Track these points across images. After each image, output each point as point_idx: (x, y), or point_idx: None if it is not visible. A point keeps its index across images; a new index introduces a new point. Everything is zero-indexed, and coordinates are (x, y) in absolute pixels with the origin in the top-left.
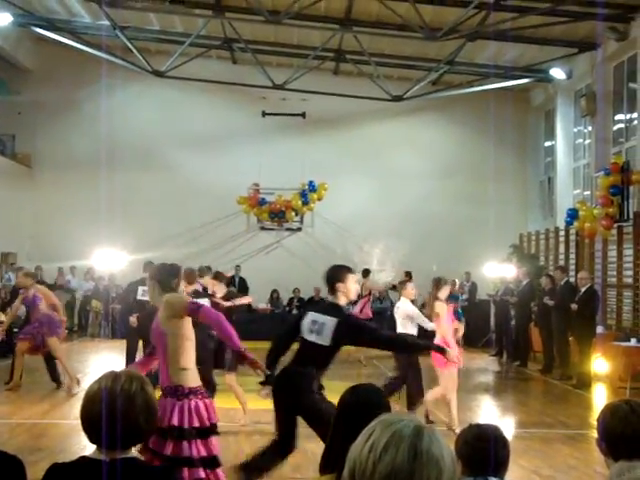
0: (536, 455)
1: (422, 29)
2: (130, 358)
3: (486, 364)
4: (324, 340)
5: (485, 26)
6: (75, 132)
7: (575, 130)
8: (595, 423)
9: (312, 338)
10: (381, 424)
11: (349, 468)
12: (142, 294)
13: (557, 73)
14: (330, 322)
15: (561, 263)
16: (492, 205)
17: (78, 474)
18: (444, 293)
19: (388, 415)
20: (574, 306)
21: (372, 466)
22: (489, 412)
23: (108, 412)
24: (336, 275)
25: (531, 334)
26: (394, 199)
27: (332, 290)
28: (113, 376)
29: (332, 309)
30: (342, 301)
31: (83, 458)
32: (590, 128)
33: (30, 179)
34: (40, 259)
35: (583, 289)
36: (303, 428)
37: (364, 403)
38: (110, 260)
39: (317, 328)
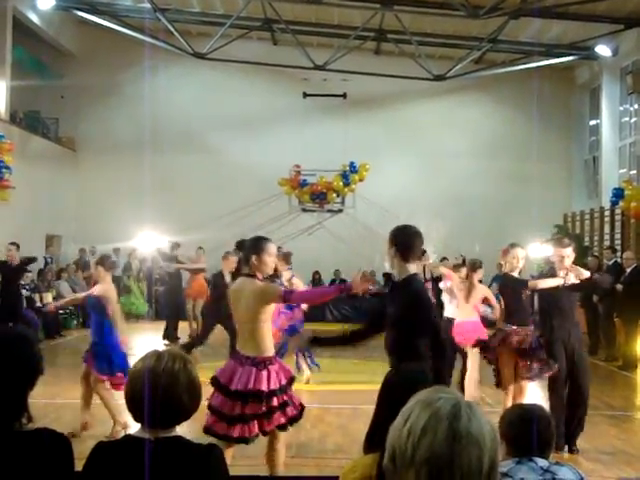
0: (581, 436)
1: (464, 7)
2: (170, 338)
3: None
4: None
5: (528, 3)
6: (118, 115)
7: (621, 108)
8: None
9: None
10: (419, 404)
11: (389, 452)
12: None
13: (602, 50)
14: None
15: (606, 243)
16: (536, 185)
17: (123, 453)
18: (478, 276)
19: (426, 393)
20: (619, 287)
21: (411, 450)
22: (533, 393)
23: (151, 391)
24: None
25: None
26: (436, 180)
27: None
28: (156, 355)
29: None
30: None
31: (128, 437)
32: (636, 106)
33: (74, 162)
34: (84, 241)
35: (629, 269)
36: (347, 407)
37: (408, 383)
38: (153, 242)
39: None
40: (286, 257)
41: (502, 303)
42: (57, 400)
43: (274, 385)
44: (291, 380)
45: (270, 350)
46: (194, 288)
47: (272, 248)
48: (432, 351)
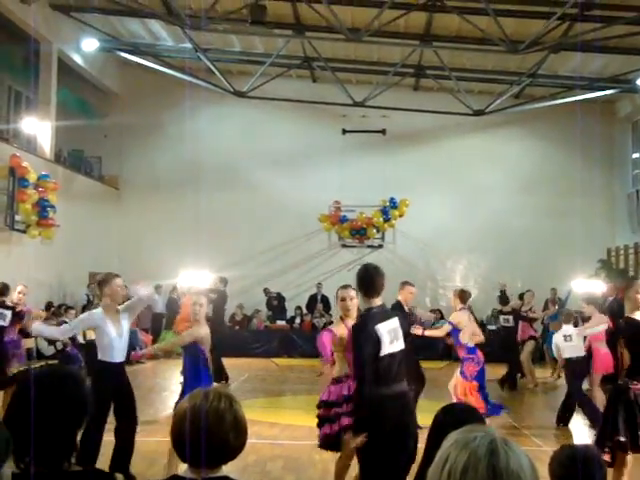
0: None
1: (503, 42)
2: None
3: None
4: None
5: (569, 37)
6: (160, 153)
7: None
8: None
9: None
10: (455, 446)
11: None
12: None
13: None
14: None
15: None
16: (578, 219)
17: None
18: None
19: (460, 434)
20: None
21: None
22: (582, 432)
23: (198, 430)
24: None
25: (622, 352)
26: (476, 214)
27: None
28: (202, 394)
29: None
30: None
31: (175, 477)
32: None
33: (117, 200)
34: (127, 278)
35: None
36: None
37: (459, 424)
38: (194, 279)
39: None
40: (462, 295)
41: (623, 355)
42: (104, 437)
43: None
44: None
45: None
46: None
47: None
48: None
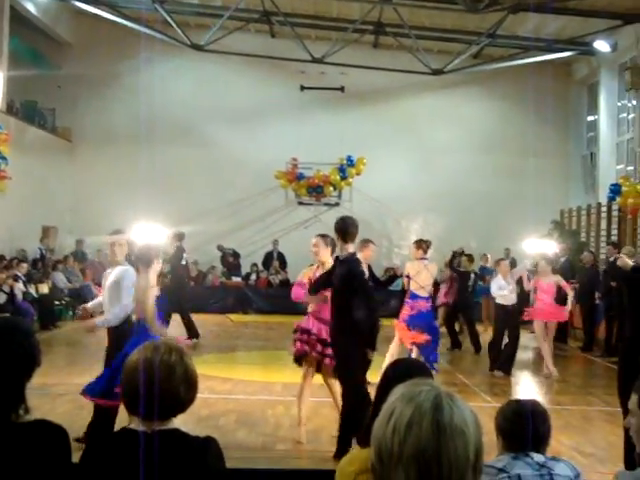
0: (576, 432)
1: (463, 1)
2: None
3: (526, 341)
4: None
5: None
6: (115, 106)
7: (619, 104)
8: None
9: None
10: (401, 399)
11: (375, 450)
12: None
13: (601, 46)
14: None
15: (603, 239)
16: (533, 180)
17: (119, 445)
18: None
19: (406, 387)
20: (613, 282)
21: (398, 448)
22: (529, 388)
23: (147, 383)
24: None
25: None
26: (433, 174)
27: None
28: (153, 347)
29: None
30: None
31: (124, 429)
32: (634, 102)
33: (70, 153)
34: (80, 233)
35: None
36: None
37: (406, 378)
38: (149, 234)
39: None
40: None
41: None
42: (52, 390)
43: None
44: None
45: None
46: None
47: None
48: (366, 309)
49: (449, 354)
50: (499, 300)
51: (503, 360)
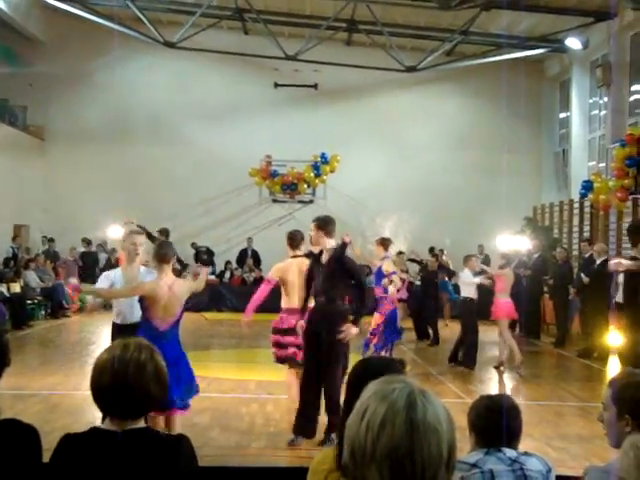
0: (549, 427)
1: None
2: None
3: (494, 336)
4: None
5: None
6: (87, 104)
7: (590, 101)
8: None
9: None
10: (374, 397)
11: (348, 449)
12: None
13: (572, 43)
14: None
15: (575, 236)
16: (506, 177)
17: (90, 445)
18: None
19: (379, 384)
20: (586, 279)
21: (371, 446)
22: (502, 384)
23: (118, 381)
24: None
25: (544, 306)
26: (407, 171)
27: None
28: (122, 345)
29: None
30: None
31: (95, 429)
32: (606, 99)
33: (42, 151)
34: (52, 231)
35: (598, 261)
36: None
37: (377, 375)
38: (122, 232)
39: None
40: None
41: None
42: (24, 391)
43: None
44: None
45: None
46: None
47: None
48: (358, 291)
49: (423, 348)
50: (465, 293)
51: (468, 354)
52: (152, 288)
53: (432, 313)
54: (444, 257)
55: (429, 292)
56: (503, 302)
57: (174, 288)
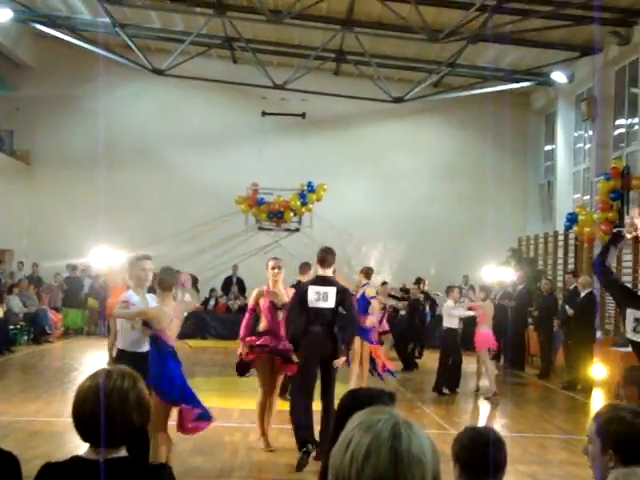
0: (533, 460)
1: (423, 30)
2: None
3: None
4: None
5: (487, 28)
6: (74, 129)
7: (575, 134)
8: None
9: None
10: (359, 428)
11: (333, 479)
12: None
13: (558, 77)
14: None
15: (560, 267)
16: (491, 208)
17: (70, 474)
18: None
19: (365, 415)
20: (571, 311)
21: (356, 476)
22: (486, 416)
23: (101, 410)
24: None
25: (528, 338)
26: (393, 201)
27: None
28: (105, 373)
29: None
30: None
31: (75, 457)
32: (591, 132)
33: (28, 176)
34: (37, 256)
35: (583, 294)
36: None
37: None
38: (108, 258)
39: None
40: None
41: None
42: (5, 417)
43: None
44: None
45: None
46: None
47: None
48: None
49: (408, 378)
50: (447, 324)
51: (451, 379)
52: (158, 313)
53: (418, 337)
54: (426, 287)
55: (414, 320)
56: (484, 333)
57: (176, 313)
